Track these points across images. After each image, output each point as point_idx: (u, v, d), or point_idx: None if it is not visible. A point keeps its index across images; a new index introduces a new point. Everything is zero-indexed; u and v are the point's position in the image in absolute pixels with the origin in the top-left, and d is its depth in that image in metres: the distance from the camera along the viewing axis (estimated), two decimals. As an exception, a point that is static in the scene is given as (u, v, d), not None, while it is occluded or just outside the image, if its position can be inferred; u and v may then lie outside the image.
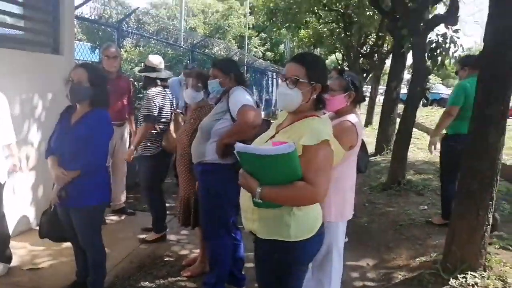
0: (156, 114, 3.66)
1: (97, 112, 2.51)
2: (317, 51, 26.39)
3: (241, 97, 2.68)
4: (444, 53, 5.69)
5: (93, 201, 2.52)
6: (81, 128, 2.45)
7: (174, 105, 3.98)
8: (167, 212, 4.00)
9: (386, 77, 9.87)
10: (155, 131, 3.70)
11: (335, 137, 1.86)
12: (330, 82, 2.25)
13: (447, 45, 5.66)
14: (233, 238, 2.94)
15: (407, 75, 10.90)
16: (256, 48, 29.42)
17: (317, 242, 1.85)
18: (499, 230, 3.98)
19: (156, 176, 3.85)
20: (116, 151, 4.40)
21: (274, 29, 15.80)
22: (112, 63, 4.19)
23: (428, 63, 5.75)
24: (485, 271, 3.11)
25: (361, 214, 4.77)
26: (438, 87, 26.02)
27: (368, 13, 11.13)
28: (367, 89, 19.84)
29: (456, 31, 5.59)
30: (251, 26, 27.77)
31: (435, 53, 5.74)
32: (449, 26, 5.54)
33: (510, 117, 3.84)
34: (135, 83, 5.52)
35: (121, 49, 6.29)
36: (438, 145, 4.32)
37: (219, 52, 12.00)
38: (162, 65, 3.95)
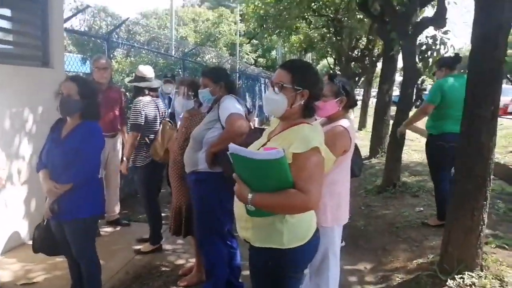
0: (142, 123, 3.66)
1: (88, 125, 2.49)
2: (309, 56, 26.55)
3: (229, 106, 2.68)
4: (435, 55, 5.75)
5: (86, 213, 2.49)
6: (72, 141, 2.43)
7: (165, 115, 3.97)
8: (163, 221, 3.97)
9: (378, 80, 9.93)
10: (143, 141, 3.69)
11: (328, 142, 1.85)
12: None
13: (437, 47, 5.72)
14: (229, 246, 2.93)
15: (399, 77, 10.99)
16: (248, 54, 29.58)
17: (311, 248, 1.84)
18: (494, 229, 4.00)
19: (150, 186, 3.84)
20: (108, 163, 4.37)
21: (265, 36, 15.85)
22: (103, 74, 4.18)
23: (420, 65, 5.79)
24: (482, 270, 3.11)
25: (357, 218, 4.77)
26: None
27: (358, 16, 11.21)
28: (359, 92, 19.97)
29: (445, 32, 5.65)
30: (242, 33, 27.91)
31: (426, 55, 5.79)
32: (438, 29, 5.60)
33: (500, 116, 3.91)
34: (127, 93, 5.51)
35: (112, 60, 6.29)
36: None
37: (210, 60, 12.03)
38: (152, 75, 3.95)
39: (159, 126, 3.73)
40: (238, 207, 1.82)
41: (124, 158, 3.77)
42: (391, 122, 6.80)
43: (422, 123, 4.91)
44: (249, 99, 16.18)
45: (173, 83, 5.33)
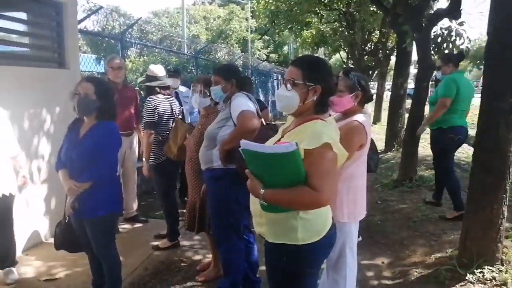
0: (155, 120, 3.69)
1: (105, 124, 2.53)
2: (321, 51, 26.37)
3: (240, 103, 2.69)
4: (450, 46, 5.65)
5: (105, 211, 2.54)
6: (90, 141, 2.48)
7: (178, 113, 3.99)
8: (180, 218, 4.01)
9: (392, 73, 9.82)
10: (157, 139, 3.73)
11: (343, 137, 1.84)
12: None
13: (453, 38, 5.62)
14: (247, 241, 2.95)
15: (414, 70, 10.83)
16: (260, 50, 29.52)
17: (327, 244, 1.83)
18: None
19: (166, 183, 3.87)
20: (125, 161, 4.43)
21: (277, 31, 15.80)
22: (117, 73, 4.24)
23: (435, 57, 5.70)
24: (502, 265, 3.07)
25: (373, 212, 4.74)
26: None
27: (371, 8, 11.06)
28: (373, 85, 19.76)
29: (461, 23, 5.54)
30: (253, 29, 27.85)
31: (441, 47, 5.70)
32: (453, 20, 5.50)
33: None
34: (141, 92, 5.57)
35: (125, 60, 6.34)
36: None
37: (223, 57, 12.05)
38: (163, 73, 3.98)
39: (173, 124, 3.77)
40: (254, 203, 1.82)
41: (143, 159, 3.81)
42: (406, 115, 6.73)
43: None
44: (262, 94, 16.17)
45: (178, 78, 5.27)
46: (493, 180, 3.01)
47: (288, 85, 1.76)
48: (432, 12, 5.73)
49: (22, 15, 3.93)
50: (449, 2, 5.43)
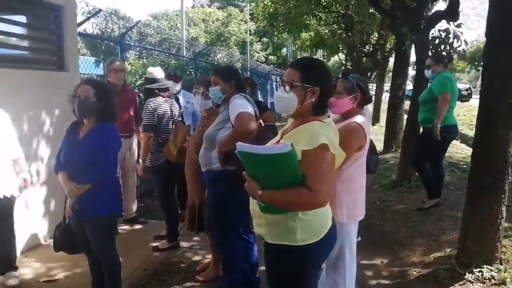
0: (154, 123, 3.70)
1: (105, 126, 2.54)
2: (320, 53, 26.39)
3: (238, 105, 2.70)
4: (448, 48, 5.67)
5: (105, 212, 2.55)
6: (90, 143, 2.48)
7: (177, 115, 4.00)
8: (179, 219, 4.02)
9: (391, 74, 9.85)
10: (156, 141, 3.74)
11: (342, 139, 1.85)
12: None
13: (450, 40, 5.64)
14: (247, 241, 2.97)
15: (412, 72, 10.83)
16: (258, 53, 29.56)
17: (326, 245, 1.84)
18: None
19: (165, 185, 3.88)
20: (125, 162, 4.44)
21: (276, 33, 15.84)
22: (118, 76, 4.26)
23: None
24: (501, 264, 3.08)
25: (373, 213, 4.74)
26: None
27: (370, 10, 11.10)
28: (372, 87, 19.79)
29: (458, 25, 5.56)
30: (252, 31, 27.89)
31: (439, 49, 5.72)
32: (450, 22, 5.52)
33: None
34: (140, 94, 5.58)
35: (125, 62, 6.36)
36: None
37: (222, 59, 12.08)
38: (162, 76, 4.00)
39: (172, 126, 3.78)
40: (253, 204, 1.83)
41: (140, 160, 3.82)
42: (405, 116, 6.73)
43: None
44: (261, 96, 16.19)
45: (178, 82, 5.27)
46: (492, 181, 3.02)
47: (287, 87, 1.77)
48: (430, 14, 5.76)
49: (22, 18, 3.94)
50: (447, 4, 5.46)
